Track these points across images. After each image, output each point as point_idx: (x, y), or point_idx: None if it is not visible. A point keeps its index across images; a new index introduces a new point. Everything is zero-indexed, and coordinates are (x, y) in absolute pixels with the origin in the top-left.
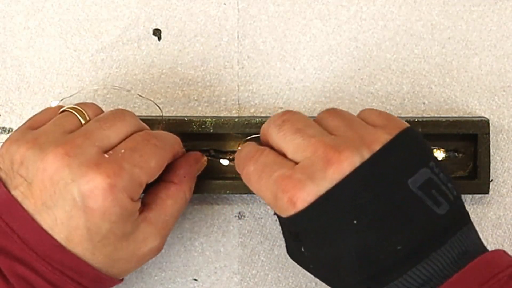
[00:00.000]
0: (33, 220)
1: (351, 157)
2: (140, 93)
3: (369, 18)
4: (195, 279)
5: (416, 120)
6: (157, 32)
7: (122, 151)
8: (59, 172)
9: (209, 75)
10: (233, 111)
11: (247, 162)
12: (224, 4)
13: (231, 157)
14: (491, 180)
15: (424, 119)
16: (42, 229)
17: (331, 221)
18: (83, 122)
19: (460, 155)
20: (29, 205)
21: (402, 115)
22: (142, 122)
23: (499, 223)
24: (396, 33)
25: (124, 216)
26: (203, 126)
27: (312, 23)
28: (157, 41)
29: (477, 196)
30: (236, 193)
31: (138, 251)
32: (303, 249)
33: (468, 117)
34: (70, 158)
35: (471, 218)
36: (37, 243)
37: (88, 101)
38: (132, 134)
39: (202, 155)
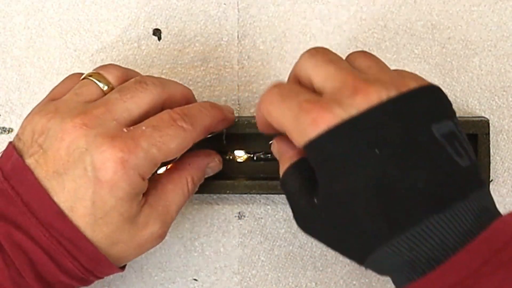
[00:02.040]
0: (39, 185)
1: (379, 91)
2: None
3: (369, 18)
4: (195, 279)
5: None
6: (157, 32)
7: (144, 128)
8: (76, 141)
9: (209, 75)
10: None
11: (271, 87)
12: (224, 4)
13: (230, 157)
14: (491, 180)
15: None
16: (47, 194)
17: (352, 147)
18: (104, 88)
19: None
20: (40, 172)
21: None
22: (168, 88)
23: None
24: (396, 33)
25: (131, 195)
26: None
27: (312, 23)
28: (157, 41)
29: None
30: (236, 193)
31: (138, 235)
32: (315, 200)
33: (468, 117)
34: (88, 129)
35: None
36: (39, 208)
37: None
38: (155, 104)
39: (216, 153)
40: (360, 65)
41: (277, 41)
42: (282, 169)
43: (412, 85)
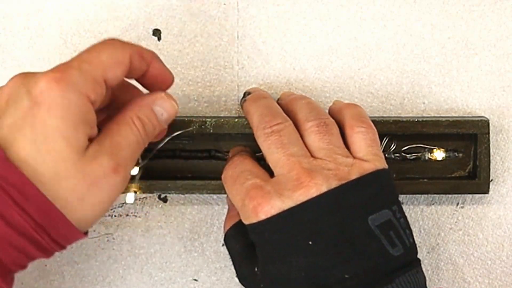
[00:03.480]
0: None
1: (320, 185)
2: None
3: (369, 18)
4: (195, 279)
5: (416, 120)
6: (157, 32)
7: (69, 59)
8: (14, 85)
9: (209, 75)
10: (233, 111)
11: (227, 166)
12: (224, 4)
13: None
14: (491, 180)
15: (424, 119)
16: None
17: (287, 237)
18: None
19: (460, 155)
20: None
21: (402, 115)
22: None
23: (499, 223)
24: (396, 33)
25: (76, 117)
26: (203, 126)
27: (312, 23)
28: (157, 41)
29: (477, 196)
30: None
31: (87, 169)
32: (256, 269)
33: (468, 117)
34: (24, 76)
35: (471, 218)
36: None
37: None
38: None
39: (166, 93)
40: (311, 145)
41: (277, 41)
42: (226, 226)
43: (355, 174)
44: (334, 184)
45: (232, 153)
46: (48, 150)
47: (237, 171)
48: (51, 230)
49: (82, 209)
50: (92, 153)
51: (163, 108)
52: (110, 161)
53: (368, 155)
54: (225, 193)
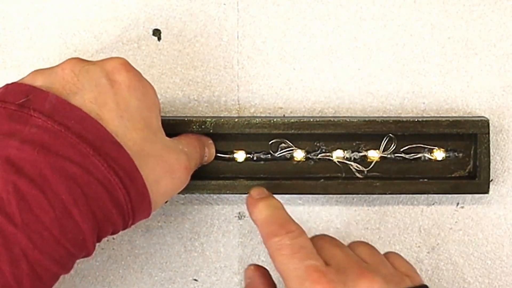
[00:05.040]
0: (90, 117)
1: (381, 283)
2: None
3: (369, 18)
4: (195, 279)
5: (416, 120)
6: (157, 32)
7: None
8: (77, 64)
9: (209, 75)
10: (233, 111)
11: (282, 232)
12: (224, 4)
13: (230, 157)
14: (491, 180)
15: (424, 119)
16: (100, 124)
17: None
18: None
19: (460, 155)
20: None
21: (402, 115)
22: None
23: (499, 223)
24: (396, 33)
25: (149, 100)
26: (203, 126)
27: (312, 23)
28: (157, 41)
29: (477, 196)
30: (236, 193)
31: (166, 153)
32: None
33: (468, 117)
34: (82, 60)
35: (471, 218)
36: (95, 138)
37: None
38: None
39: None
40: (360, 253)
41: (277, 41)
42: None
43: (407, 283)
44: (392, 287)
45: (256, 194)
46: (134, 127)
47: (297, 245)
48: (137, 210)
49: (154, 192)
50: (170, 145)
51: (209, 151)
52: (186, 160)
53: (410, 271)
54: (224, 193)
